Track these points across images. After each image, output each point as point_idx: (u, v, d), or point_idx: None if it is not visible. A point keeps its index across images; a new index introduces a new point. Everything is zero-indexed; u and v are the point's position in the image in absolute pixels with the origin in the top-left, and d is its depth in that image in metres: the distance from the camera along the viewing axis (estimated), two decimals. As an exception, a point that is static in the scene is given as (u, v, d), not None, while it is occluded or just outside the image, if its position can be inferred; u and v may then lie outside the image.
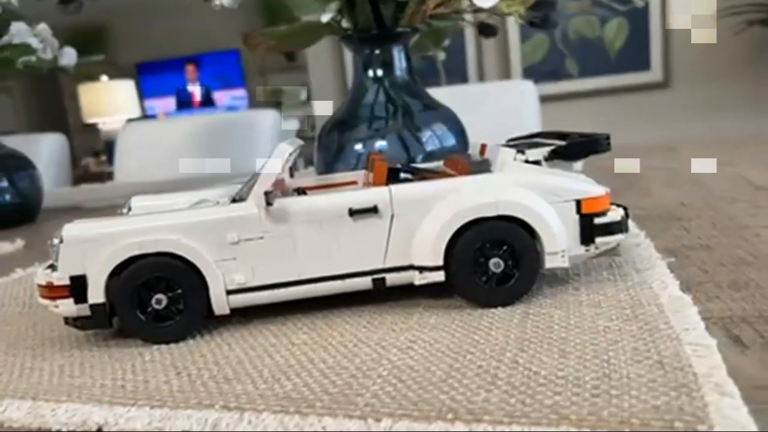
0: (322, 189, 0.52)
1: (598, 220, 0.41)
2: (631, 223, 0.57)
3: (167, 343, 0.40)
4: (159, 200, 0.50)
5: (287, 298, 0.41)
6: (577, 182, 0.42)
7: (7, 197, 1.01)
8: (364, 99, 0.82)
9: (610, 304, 0.39)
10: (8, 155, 1.04)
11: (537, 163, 0.43)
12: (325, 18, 0.78)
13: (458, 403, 0.28)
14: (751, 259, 0.45)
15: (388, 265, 0.41)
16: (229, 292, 0.40)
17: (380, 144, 0.79)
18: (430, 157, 0.77)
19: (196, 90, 5.20)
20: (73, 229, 0.39)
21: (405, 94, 0.82)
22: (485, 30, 0.92)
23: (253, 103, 5.03)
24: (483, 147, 0.48)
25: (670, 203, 0.67)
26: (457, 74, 2.56)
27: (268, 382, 0.33)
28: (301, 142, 0.48)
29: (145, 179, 1.65)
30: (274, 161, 0.40)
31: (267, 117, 1.75)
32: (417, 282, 0.41)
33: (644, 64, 2.42)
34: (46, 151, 1.87)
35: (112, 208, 0.51)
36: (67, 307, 0.39)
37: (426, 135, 0.80)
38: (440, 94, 1.00)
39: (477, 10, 0.75)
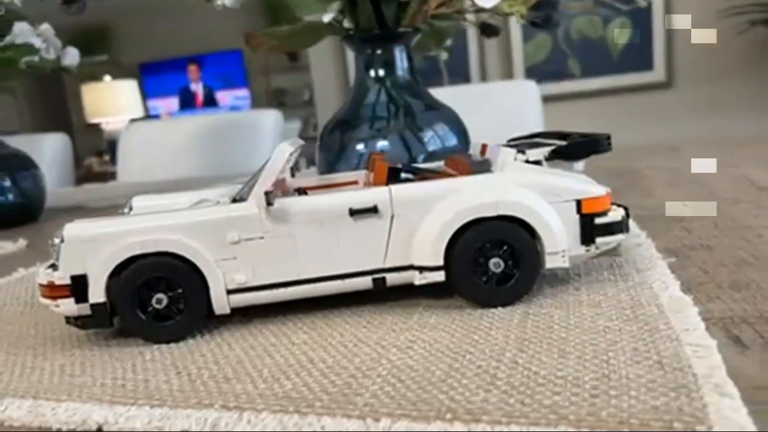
0: (322, 189, 0.52)
1: (598, 220, 0.41)
2: (632, 223, 0.57)
3: (168, 342, 0.40)
4: (160, 200, 0.50)
5: (287, 297, 0.41)
6: (577, 182, 0.42)
7: (10, 197, 1.01)
8: (366, 99, 0.82)
9: (610, 304, 0.38)
10: (11, 155, 1.05)
11: (537, 163, 0.43)
12: (327, 18, 0.78)
13: (457, 403, 0.28)
14: (753, 260, 0.45)
15: (389, 265, 0.41)
16: (229, 292, 0.40)
17: (382, 144, 0.79)
18: (431, 157, 0.77)
19: (198, 90, 5.21)
20: (73, 229, 0.39)
21: (407, 94, 0.82)
22: (487, 30, 0.92)
23: (256, 103, 5.03)
24: (484, 147, 0.48)
25: (672, 203, 0.67)
26: (459, 74, 2.56)
27: (267, 381, 0.33)
28: (301, 142, 0.48)
29: (147, 179, 1.66)
30: (275, 161, 0.40)
31: (269, 117, 1.75)
32: (417, 282, 0.41)
33: (647, 64, 2.41)
34: (49, 151, 1.87)
35: (115, 208, 0.51)
36: (68, 306, 0.40)
37: (428, 135, 0.80)
38: (442, 94, 1.00)
39: (479, 10, 0.75)
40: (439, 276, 0.40)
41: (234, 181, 0.54)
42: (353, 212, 0.40)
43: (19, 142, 1.15)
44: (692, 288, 0.41)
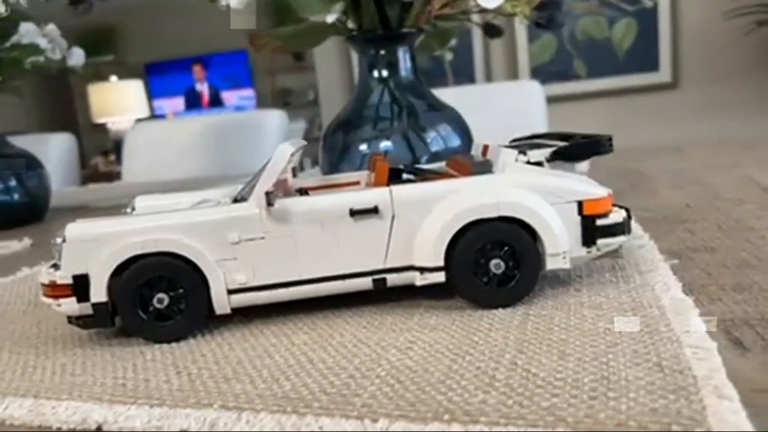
0: (324, 189, 0.52)
1: (600, 222, 0.41)
2: (635, 225, 0.57)
3: (168, 342, 0.40)
4: (162, 200, 0.50)
5: (288, 298, 0.41)
6: (578, 183, 0.41)
7: (16, 196, 1.02)
8: (369, 99, 0.82)
9: (611, 306, 0.38)
10: (17, 155, 1.05)
11: (539, 164, 0.43)
12: (330, 18, 0.78)
13: (455, 405, 0.28)
14: (756, 262, 0.45)
15: (389, 265, 0.41)
16: (230, 292, 0.40)
17: (385, 144, 0.79)
18: (435, 157, 0.77)
19: (204, 90, 5.23)
20: (75, 229, 0.39)
21: (410, 95, 0.82)
22: (490, 31, 0.91)
23: (261, 103, 5.05)
24: (485, 148, 0.48)
25: (676, 205, 0.67)
26: (464, 75, 2.55)
27: (267, 381, 0.33)
28: (303, 142, 0.48)
29: (152, 179, 1.66)
30: (276, 162, 0.40)
31: (274, 117, 1.76)
32: (418, 283, 0.41)
33: (653, 65, 2.41)
34: (55, 151, 1.88)
35: (119, 208, 0.52)
36: (70, 305, 0.40)
37: (431, 135, 0.80)
38: (447, 94, 1.00)
39: (482, 10, 0.75)
40: (440, 277, 0.40)
41: (237, 181, 0.54)
42: (354, 213, 0.40)
43: (25, 142, 1.16)
44: (694, 290, 0.40)
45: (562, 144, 0.44)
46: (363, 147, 0.80)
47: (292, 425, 0.28)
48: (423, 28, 0.81)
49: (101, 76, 4.67)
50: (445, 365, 0.32)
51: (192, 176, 1.61)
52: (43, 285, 0.40)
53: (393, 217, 0.40)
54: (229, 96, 5.22)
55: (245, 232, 0.40)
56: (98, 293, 0.39)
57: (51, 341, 0.43)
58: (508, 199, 0.39)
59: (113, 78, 4.76)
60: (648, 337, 0.33)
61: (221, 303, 0.40)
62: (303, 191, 0.50)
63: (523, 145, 0.46)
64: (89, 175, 3.95)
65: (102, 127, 4.82)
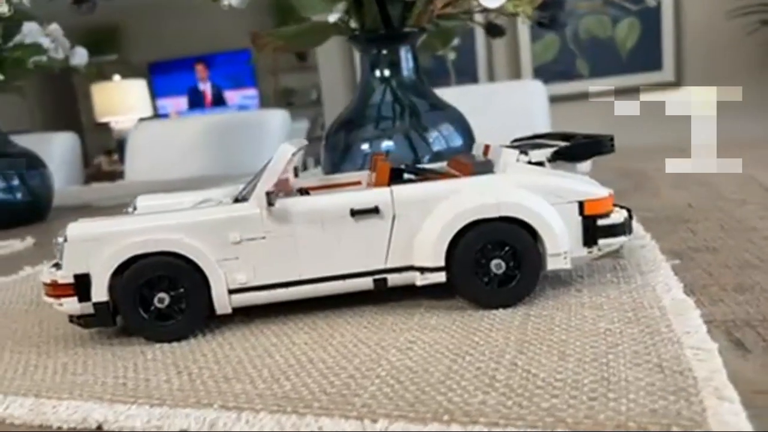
0: (325, 189, 0.52)
1: (601, 222, 0.41)
2: (637, 225, 0.57)
3: (169, 341, 0.40)
4: (164, 200, 0.50)
5: (289, 297, 0.41)
6: (580, 183, 0.41)
7: (19, 195, 1.02)
8: (372, 99, 0.83)
9: (612, 306, 0.38)
10: (20, 154, 1.05)
11: (540, 164, 0.43)
12: (332, 18, 0.78)
13: (455, 405, 0.28)
14: (758, 262, 0.45)
15: (390, 265, 0.41)
16: (230, 292, 0.40)
17: (387, 144, 0.80)
18: (437, 157, 0.77)
19: (207, 89, 5.23)
20: (77, 229, 0.39)
21: (412, 94, 0.82)
22: (492, 30, 0.91)
23: (264, 103, 5.05)
24: (486, 148, 0.48)
25: (678, 205, 0.67)
26: (467, 74, 2.55)
27: (267, 381, 0.33)
28: (305, 142, 0.49)
29: (155, 178, 1.67)
30: (276, 162, 0.40)
31: (276, 117, 1.76)
32: (418, 283, 0.41)
33: (656, 65, 2.40)
34: (58, 150, 1.89)
35: (121, 207, 0.52)
36: (71, 305, 0.40)
37: (433, 135, 0.80)
38: (449, 94, 1.00)
39: (484, 10, 0.75)
40: (440, 277, 0.40)
41: (239, 181, 0.54)
42: (354, 213, 0.40)
43: (28, 141, 1.16)
44: (696, 290, 0.40)
45: (563, 144, 0.44)
46: (365, 146, 0.80)
47: (292, 425, 0.28)
48: (425, 28, 0.81)
49: (104, 76, 4.68)
50: (445, 365, 0.32)
51: (195, 175, 1.62)
52: (45, 284, 0.40)
53: (394, 217, 0.40)
54: (232, 95, 5.22)
55: (246, 231, 0.40)
56: (99, 293, 0.39)
57: (52, 340, 0.43)
58: (508, 199, 0.39)
59: (116, 77, 4.76)
60: (649, 338, 0.33)
61: (222, 303, 0.40)
62: (304, 191, 0.50)
63: (524, 145, 0.46)
64: (92, 174, 3.96)
65: (105, 127, 4.83)
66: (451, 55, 2.47)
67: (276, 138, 1.69)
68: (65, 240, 0.39)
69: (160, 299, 0.40)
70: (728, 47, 2.29)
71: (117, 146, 4.44)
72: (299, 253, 0.40)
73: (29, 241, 0.84)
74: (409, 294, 0.43)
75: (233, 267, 0.40)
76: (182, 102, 5.31)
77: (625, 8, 2.38)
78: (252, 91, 5.17)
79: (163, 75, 5.28)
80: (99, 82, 4.59)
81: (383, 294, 0.43)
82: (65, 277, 0.39)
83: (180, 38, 4.96)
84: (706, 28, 2.32)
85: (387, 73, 0.81)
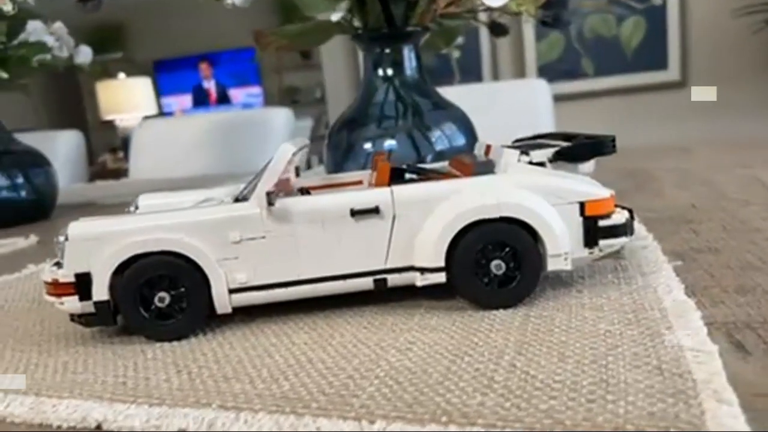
0: (326, 189, 0.52)
1: (602, 223, 0.41)
2: (639, 226, 0.57)
3: (170, 340, 0.40)
4: (165, 199, 0.50)
5: (289, 297, 0.41)
6: (581, 184, 0.41)
7: (23, 193, 1.02)
8: (374, 98, 0.82)
9: (612, 307, 0.38)
10: (24, 152, 1.06)
11: (541, 164, 0.43)
12: (335, 17, 0.78)
13: (453, 406, 0.28)
14: (760, 264, 0.45)
15: (390, 265, 0.41)
16: (231, 291, 0.40)
17: (390, 143, 0.79)
18: (439, 156, 0.77)
19: (211, 87, 5.24)
20: (78, 228, 0.40)
21: (415, 93, 0.82)
22: (496, 29, 0.91)
23: (269, 101, 5.06)
24: (488, 148, 0.48)
25: (681, 205, 0.67)
26: (471, 73, 2.55)
27: (266, 381, 0.33)
28: (306, 141, 0.49)
29: (159, 176, 1.67)
30: (277, 161, 0.40)
31: (280, 115, 1.76)
32: (418, 283, 0.41)
33: (661, 64, 2.39)
34: (62, 148, 1.89)
35: (125, 205, 0.52)
36: (72, 304, 0.40)
37: (435, 134, 0.80)
38: (453, 92, 1.00)
39: (487, 9, 0.75)
40: (440, 277, 0.40)
41: (242, 180, 0.54)
42: (354, 213, 0.40)
43: (33, 139, 1.17)
44: (697, 292, 0.40)
45: (564, 144, 0.43)
46: (367, 146, 0.80)
47: (290, 426, 0.28)
48: (428, 27, 0.81)
49: (109, 74, 4.69)
50: (444, 366, 0.32)
51: (199, 173, 1.62)
52: (46, 283, 0.41)
53: (394, 217, 0.40)
54: (236, 93, 5.23)
55: (246, 231, 0.40)
56: (100, 292, 0.39)
57: (54, 339, 0.43)
58: (509, 199, 0.39)
59: (121, 75, 4.77)
60: (649, 340, 0.33)
61: (222, 302, 0.40)
62: (305, 191, 0.50)
63: (525, 145, 0.46)
64: (97, 172, 3.97)
65: (110, 124, 4.84)
66: (456, 54, 2.47)
67: (280, 136, 1.69)
68: (66, 239, 0.39)
69: (160, 298, 0.40)
70: (734, 46, 2.28)
71: (122, 144, 4.45)
72: (299, 253, 0.40)
73: (33, 239, 0.84)
74: (409, 294, 0.43)
75: (233, 266, 0.40)
76: (187, 100, 5.32)
77: (630, 7, 2.37)
78: (256, 89, 5.17)
79: (168, 73, 5.29)
80: (104, 80, 4.60)
81: (383, 294, 0.43)
82: (66, 276, 0.40)
83: (185, 36, 4.97)
84: (711, 27, 2.31)
85: (390, 72, 0.81)
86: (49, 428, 0.31)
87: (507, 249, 0.40)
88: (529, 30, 2.44)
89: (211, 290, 0.40)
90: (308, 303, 0.42)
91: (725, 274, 0.43)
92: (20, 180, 1.01)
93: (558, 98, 1.80)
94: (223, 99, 5.25)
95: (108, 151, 4.82)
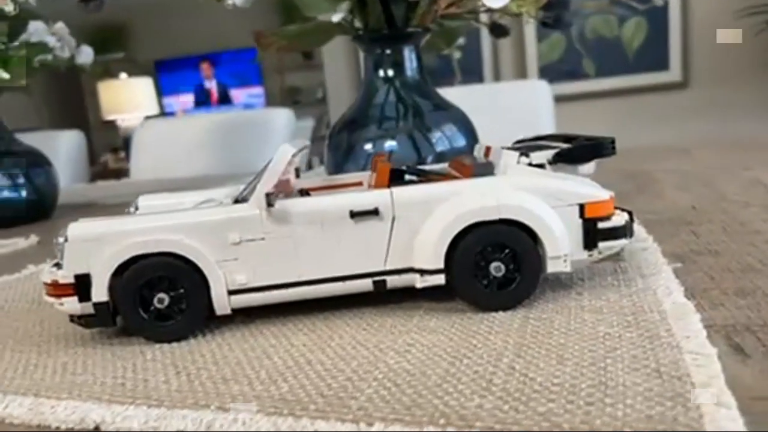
0: (326, 190, 0.52)
1: (601, 225, 0.41)
2: (639, 228, 0.57)
3: (169, 342, 0.40)
4: (165, 200, 0.50)
5: (288, 299, 0.41)
6: (580, 186, 0.41)
7: (24, 193, 1.02)
8: (375, 99, 0.83)
9: (612, 310, 0.38)
10: (25, 152, 1.06)
11: (541, 166, 0.43)
12: (336, 18, 0.78)
13: (451, 409, 0.28)
14: (760, 266, 0.45)
15: (389, 267, 0.41)
16: (230, 293, 0.40)
17: (390, 144, 0.79)
18: (440, 157, 0.77)
19: (212, 87, 5.25)
20: (77, 229, 0.40)
21: (415, 95, 0.82)
22: (496, 30, 0.91)
23: (270, 101, 5.06)
24: (488, 149, 0.48)
25: (682, 207, 0.67)
26: (473, 73, 2.55)
27: (264, 383, 0.33)
28: (306, 142, 0.49)
29: (160, 176, 1.67)
30: (276, 163, 0.40)
31: (281, 115, 1.76)
32: (418, 285, 0.41)
33: (663, 64, 2.39)
34: (64, 148, 1.90)
35: (126, 205, 0.52)
36: (72, 305, 0.40)
37: (436, 135, 0.80)
38: (454, 93, 1.00)
39: (488, 10, 0.75)
40: (440, 279, 0.40)
41: (242, 180, 0.54)
42: (354, 214, 0.40)
43: (34, 139, 1.17)
44: (696, 294, 0.40)
45: (564, 146, 0.43)
46: (368, 147, 0.80)
47: (288, 427, 0.28)
48: (429, 28, 0.81)
49: (111, 74, 4.69)
50: (443, 368, 0.32)
51: (200, 174, 1.62)
52: (46, 284, 0.41)
53: (393, 219, 0.40)
54: (238, 94, 5.23)
55: (246, 232, 0.40)
56: (100, 293, 0.39)
57: (53, 339, 0.43)
58: (508, 201, 0.39)
59: (123, 75, 4.78)
60: (648, 342, 0.33)
61: (222, 303, 0.40)
62: (305, 192, 0.50)
63: (525, 146, 0.46)
64: (99, 172, 3.98)
65: (112, 124, 4.85)
66: (457, 55, 2.47)
67: (281, 137, 1.69)
68: (66, 240, 0.39)
69: (159, 300, 0.40)
70: (736, 47, 2.28)
71: (123, 144, 4.46)
72: (299, 255, 0.40)
73: (33, 239, 0.84)
74: (409, 296, 0.43)
75: (233, 268, 0.40)
76: (189, 100, 5.32)
77: (632, 8, 2.37)
78: (258, 90, 5.17)
79: (170, 73, 5.29)
80: (106, 80, 4.60)
81: (383, 296, 0.43)
82: (66, 277, 0.40)
83: (186, 36, 4.97)
84: (713, 28, 2.31)
85: (390, 73, 0.81)
86: (47, 429, 0.31)
87: (506, 251, 0.40)
88: (530, 31, 2.45)
89: (210, 291, 0.40)
90: (308, 304, 0.42)
91: (725, 276, 0.43)
92: (21, 180, 1.01)
93: (559, 99, 1.80)
94: (225, 99, 5.26)
95: (109, 151, 4.83)
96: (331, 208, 0.40)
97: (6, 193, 1.00)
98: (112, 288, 0.40)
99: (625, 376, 0.29)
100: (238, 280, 0.40)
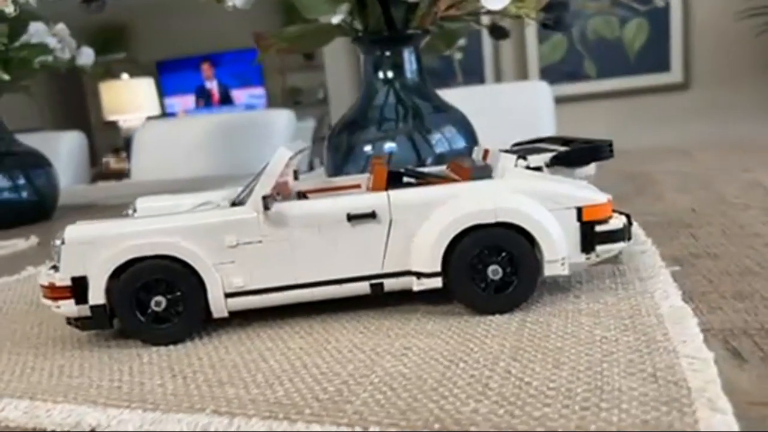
0: (324, 192, 0.52)
1: (599, 228, 0.41)
2: (638, 230, 0.57)
3: (166, 344, 0.40)
4: (163, 202, 0.50)
5: (285, 302, 0.41)
6: (578, 189, 0.41)
7: (24, 195, 1.02)
8: (375, 100, 0.82)
9: (609, 313, 0.38)
10: (25, 153, 1.06)
11: (538, 169, 0.42)
12: (336, 20, 0.78)
13: (446, 413, 0.28)
14: (758, 269, 0.44)
15: (386, 270, 0.41)
16: (227, 296, 0.40)
17: (390, 146, 0.79)
18: (439, 159, 0.77)
19: (213, 87, 5.25)
20: (74, 231, 0.40)
21: (415, 96, 0.82)
22: (496, 32, 0.91)
23: (272, 102, 5.06)
24: (486, 152, 0.48)
25: (681, 209, 0.66)
26: (474, 74, 2.55)
27: (260, 386, 0.33)
28: (304, 144, 0.48)
29: (161, 177, 1.67)
30: (274, 166, 0.40)
31: (282, 117, 1.76)
32: (415, 288, 0.41)
33: (664, 66, 2.39)
34: (65, 149, 1.90)
35: (126, 207, 0.52)
36: (69, 307, 0.40)
37: (436, 137, 0.80)
38: (454, 95, 1.00)
39: (488, 12, 0.75)
40: (437, 282, 0.40)
41: (241, 182, 0.54)
42: (351, 217, 0.40)
43: (36, 140, 1.17)
44: (694, 297, 0.40)
45: (562, 149, 0.43)
46: (368, 148, 0.80)
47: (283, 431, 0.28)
48: (429, 30, 0.81)
49: (113, 74, 4.70)
50: (439, 372, 0.32)
51: (200, 175, 1.62)
52: (43, 287, 0.41)
53: (390, 222, 0.40)
54: (239, 94, 5.23)
55: (243, 235, 0.40)
56: (96, 295, 0.39)
57: (50, 342, 0.43)
58: (506, 204, 0.39)
59: (125, 76, 4.79)
60: (644, 346, 0.33)
61: (218, 306, 0.40)
62: (302, 194, 0.50)
63: (523, 149, 0.46)
64: (101, 172, 3.98)
65: (113, 125, 4.85)
66: (458, 56, 2.47)
67: (281, 138, 1.69)
68: (63, 243, 0.39)
69: (156, 302, 0.40)
70: (737, 49, 2.27)
71: (125, 145, 4.46)
72: (296, 258, 0.40)
73: (33, 240, 0.84)
74: (407, 298, 0.43)
75: (230, 271, 0.40)
76: (190, 100, 5.32)
77: (633, 9, 2.37)
78: (259, 90, 5.17)
79: (171, 74, 5.29)
80: (107, 80, 4.61)
81: (380, 299, 0.43)
82: (63, 279, 0.40)
83: (188, 37, 4.98)
84: (714, 29, 2.31)
85: (390, 74, 0.81)
86: (42, 433, 0.31)
87: (504, 254, 0.40)
88: (531, 32, 2.44)
89: (207, 294, 0.40)
90: (305, 307, 0.42)
91: (723, 279, 0.43)
92: (21, 181, 1.02)
93: (560, 100, 1.80)
94: (226, 100, 5.26)
95: (111, 152, 4.83)
96: (328, 211, 0.40)
97: (6, 194, 1.00)
98: (108, 291, 0.40)
99: (621, 380, 0.29)
100: (235, 283, 0.40)
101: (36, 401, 0.33)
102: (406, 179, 0.49)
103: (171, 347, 0.40)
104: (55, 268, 0.41)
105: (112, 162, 4.59)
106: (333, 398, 0.31)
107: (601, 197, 0.41)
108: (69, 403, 0.33)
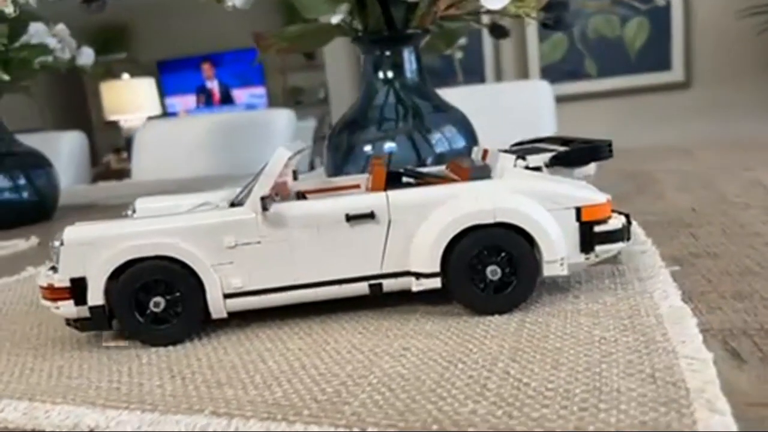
0: (322, 193, 0.52)
1: (598, 228, 0.41)
2: (638, 230, 0.56)
3: (165, 345, 0.40)
4: (163, 202, 0.50)
5: (284, 302, 0.41)
6: (577, 189, 0.41)
7: (25, 195, 1.02)
8: (375, 100, 0.82)
9: (608, 313, 0.38)
10: (26, 153, 1.06)
11: (537, 169, 0.42)
12: (335, 19, 0.77)
13: (444, 414, 0.28)
14: (758, 269, 0.44)
15: (385, 270, 0.41)
16: (226, 296, 0.40)
17: (390, 145, 0.79)
18: (439, 159, 0.77)
19: (214, 87, 5.25)
20: (73, 232, 0.40)
21: (415, 96, 0.82)
22: (496, 31, 0.91)
23: (273, 101, 5.06)
24: (485, 152, 0.48)
25: (681, 208, 0.66)
26: (474, 73, 2.55)
27: (258, 387, 0.33)
28: (303, 145, 0.48)
29: (162, 177, 1.67)
30: (272, 166, 0.40)
31: (282, 116, 1.76)
32: (414, 288, 0.41)
33: (665, 64, 2.38)
34: (66, 149, 1.90)
35: (126, 207, 0.52)
36: (68, 308, 0.40)
37: (436, 137, 0.80)
38: (455, 94, 1.00)
39: (488, 11, 0.75)
40: (436, 283, 0.40)
41: (241, 182, 0.54)
42: (350, 218, 0.40)
43: (36, 140, 1.17)
44: (694, 298, 0.40)
45: (561, 149, 0.43)
46: (368, 148, 0.80)
47: (281, 433, 0.28)
48: (428, 29, 0.81)
49: (113, 74, 4.70)
50: (438, 373, 0.32)
51: (201, 174, 1.62)
52: (42, 288, 0.41)
53: (389, 222, 0.40)
54: (240, 94, 5.23)
55: (241, 236, 0.40)
56: (95, 296, 0.39)
57: (50, 343, 0.43)
58: (505, 204, 0.39)
59: (125, 76, 4.79)
60: (643, 347, 0.33)
61: (217, 307, 0.40)
62: (301, 195, 0.49)
63: (522, 149, 0.46)
64: (102, 172, 3.98)
65: (114, 125, 4.85)
66: (458, 55, 2.47)
67: (282, 138, 1.69)
68: (61, 243, 0.39)
69: (155, 303, 0.40)
70: (738, 47, 2.27)
71: (126, 145, 4.46)
72: (294, 258, 0.40)
73: (34, 240, 0.84)
74: (406, 299, 0.43)
75: (228, 271, 0.40)
76: (191, 100, 5.32)
77: (634, 8, 2.37)
78: (260, 90, 5.17)
79: (172, 73, 5.29)
80: (108, 80, 4.61)
81: (379, 299, 0.43)
82: (62, 280, 0.40)
83: (189, 37, 4.98)
84: (715, 27, 2.30)
85: (390, 74, 0.81)
86: (41, 434, 0.31)
87: (503, 254, 0.40)
88: (532, 31, 2.44)
89: (206, 295, 0.40)
90: (304, 308, 0.42)
91: (723, 279, 0.43)
92: (22, 181, 1.02)
93: (561, 99, 1.80)
94: (227, 99, 5.26)
95: (112, 152, 4.84)
96: (326, 211, 0.40)
97: (7, 195, 1.00)
98: (107, 291, 0.40)
99: (620, 381, 0.29)
100: (234, 283, 0.40)
101: (35, 402, 0.33)
102: (405, 179, 0.49)
103: (170, 348, 0.40)
104: (54, 269, 0.41)
105: (113, 162, 4.59)
106: (331, 399, 0.31)
107: (600, 197, 0.41)
108: (68, 404, 0.33)
